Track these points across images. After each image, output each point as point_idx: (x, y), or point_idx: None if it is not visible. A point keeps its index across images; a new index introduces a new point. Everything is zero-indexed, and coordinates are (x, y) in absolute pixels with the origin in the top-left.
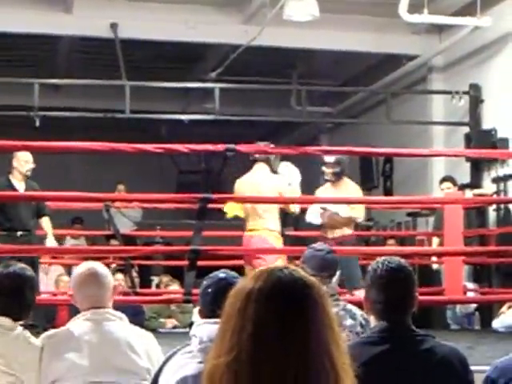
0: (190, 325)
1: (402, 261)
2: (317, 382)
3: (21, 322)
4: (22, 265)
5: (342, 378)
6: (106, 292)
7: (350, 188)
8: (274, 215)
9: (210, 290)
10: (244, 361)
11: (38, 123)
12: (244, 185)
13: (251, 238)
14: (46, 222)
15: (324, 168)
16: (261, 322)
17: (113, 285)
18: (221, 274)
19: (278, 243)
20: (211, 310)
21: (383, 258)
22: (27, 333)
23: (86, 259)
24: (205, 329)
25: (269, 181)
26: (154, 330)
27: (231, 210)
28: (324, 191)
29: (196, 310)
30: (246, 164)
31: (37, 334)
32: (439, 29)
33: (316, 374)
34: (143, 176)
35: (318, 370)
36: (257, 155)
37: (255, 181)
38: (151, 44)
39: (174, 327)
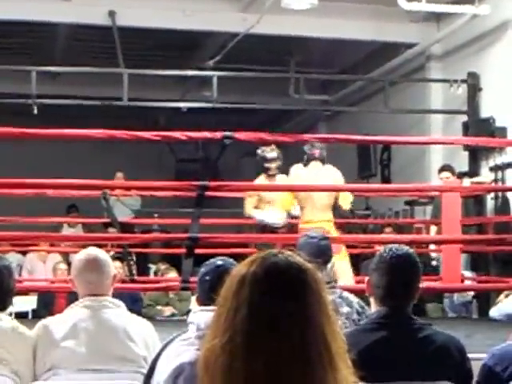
0: (188, 312)
1: (411, 250)
2: (311, 365)
3: (7, 312)
4: None
5: (336, 362)
6: (106, 279)
7: (284, 180)
8: (330, 207)
9: (207, 277)
10: (238, 342)
11: (35, 111)
12: (302, 180)
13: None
14: None
15: (268, 164)
16: (255, 305)
17: (113, 273)
18: (218, 261)
19: (335, 232)
20: (209, 298)
21: (393, 245)
22: (16, 322)
23: (84, 247)
24: (202, 316)
25: (329, 179)
26: (151, 318)
27: (286, 204)
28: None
29: (194, 298)
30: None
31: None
32: (437, 17)
33: (310, 357)
34: (142, 165)
35: (313, 354)
36: (316, 154)
37: (316, 179)
38: (149, 32)
39: (172, 315)
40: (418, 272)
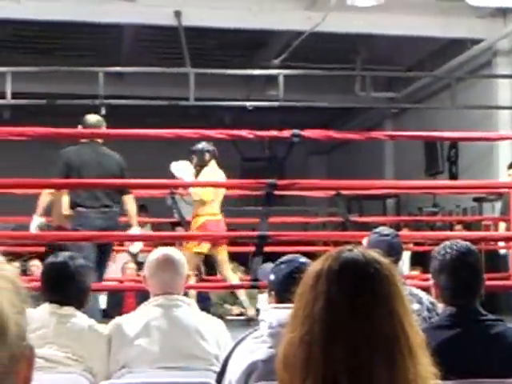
0: (257, 311)
1: (469, 244)
2: (390, 352)
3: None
4: (71, 253)
5: (416, 351)
6: (180, 279)
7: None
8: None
9: (281, 275)
10: (317, 332)
11: (103, 111)
12: (213, 178)
13: (218, 222)
14: (130, 201)
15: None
16: (332, 297)
17: (186, 273)
18: (293, 259)
19: None
20: (283, 295)
21: (449, 242)
22: (91, 320)
23: (153, 246)
24: (274, 313)
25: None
26: (219, 317)
27: (205, 195)
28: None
29: (261, 297)
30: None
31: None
32: (504, 12)
33: (389, 344)
34: None
35: (391, 341)
36: (216, 153)
37: (220, 176)
38: (215, 31)
39: (240, 314)
40: (481, 265)
